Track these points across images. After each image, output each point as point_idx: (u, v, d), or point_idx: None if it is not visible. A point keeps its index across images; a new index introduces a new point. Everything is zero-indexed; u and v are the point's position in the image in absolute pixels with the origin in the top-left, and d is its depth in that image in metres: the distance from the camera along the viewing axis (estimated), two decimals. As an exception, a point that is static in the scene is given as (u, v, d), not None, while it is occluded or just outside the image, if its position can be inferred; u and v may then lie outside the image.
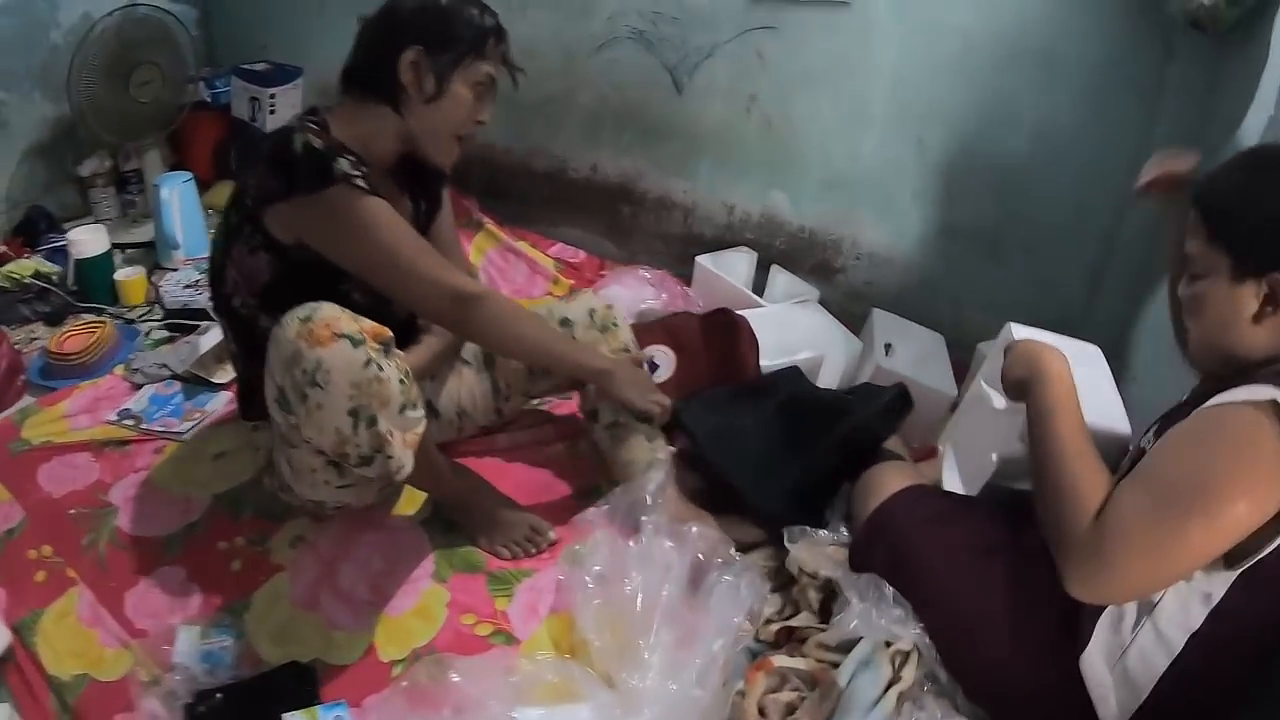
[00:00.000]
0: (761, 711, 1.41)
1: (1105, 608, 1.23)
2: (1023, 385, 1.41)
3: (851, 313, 2.52)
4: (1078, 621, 1.27)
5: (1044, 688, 1.30)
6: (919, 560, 1.47)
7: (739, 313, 2.23)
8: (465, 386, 1.95)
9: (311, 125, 1.49)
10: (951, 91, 2.36)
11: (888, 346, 2.23)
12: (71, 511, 1.78)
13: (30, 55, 2.77)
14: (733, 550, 1.65)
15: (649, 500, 1.70)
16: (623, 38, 2.69)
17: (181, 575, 1.65)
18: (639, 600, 1.53)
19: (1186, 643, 1.17)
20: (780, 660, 1.47)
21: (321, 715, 1.36)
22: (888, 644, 1.39)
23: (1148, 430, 1.35)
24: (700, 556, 1.61)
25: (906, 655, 1.39)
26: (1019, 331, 1.65)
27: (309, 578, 1.66)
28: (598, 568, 1.61)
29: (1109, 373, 1.70)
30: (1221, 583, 1.14)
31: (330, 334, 1.36)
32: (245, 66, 3.10)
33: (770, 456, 1.85)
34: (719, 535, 1.65)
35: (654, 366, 2.24)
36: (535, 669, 1.46)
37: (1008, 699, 1.34)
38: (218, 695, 1.41)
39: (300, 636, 1.55)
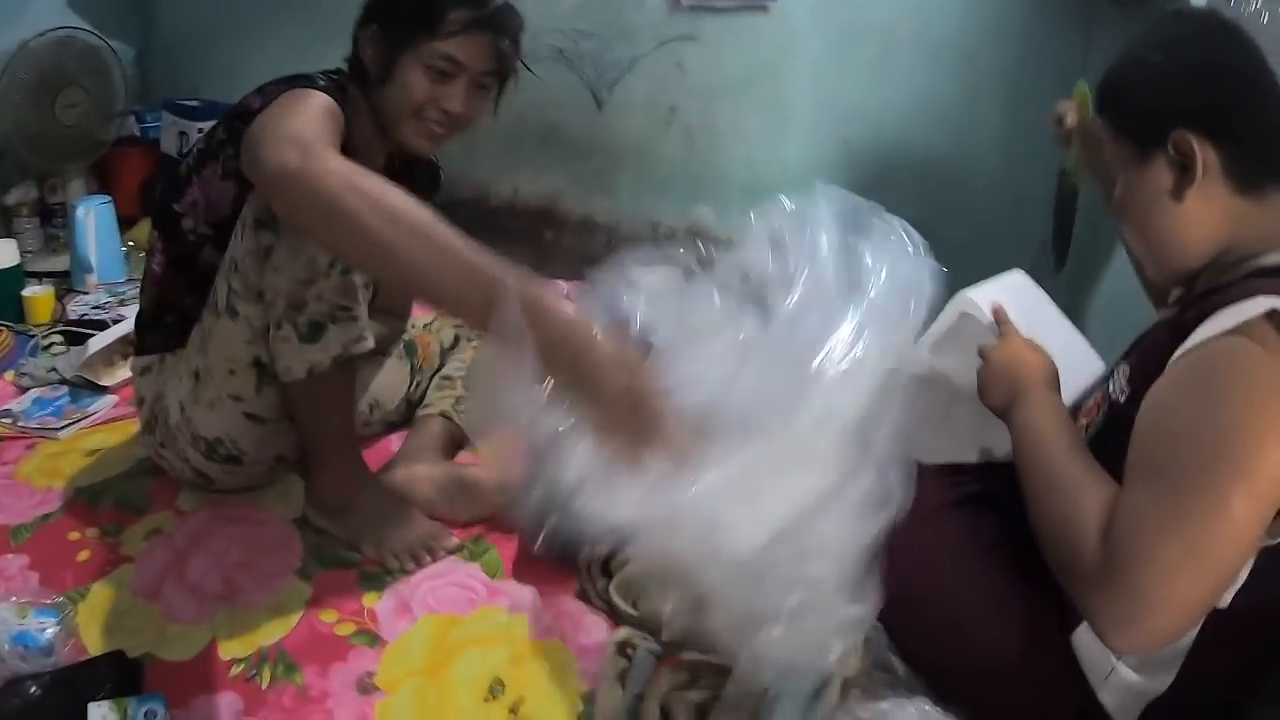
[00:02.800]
0: (666, 714, 1.20)
1: None
2: (1005, 404, 1.27)
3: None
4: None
5: (1036, 670, 1.11)
6: None
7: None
8: (383, 374, 1.86)
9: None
10: (874, 91, 2.34)
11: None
12: (-77, 498, 1.66)
13: (-40, 78, 2.72)
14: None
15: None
16: (543, 56, 2.65)
17: (23, 563, 1.52)
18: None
19: (1209, 621, 0.98)
20: (691, 654, 1.26)
21: (132, 707, 1.19)
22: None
23: (1111, 371, 1.20)
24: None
25: (850, 639, 1.17)
26: (974, 296, 1.51)
27: (155, 568, 1.52)
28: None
29: (1047, 300, 1.59)
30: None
31: None
32: (177, 101, 3.08)
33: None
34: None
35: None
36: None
37: (992, 686, 1.13)
38: (31, 686, 1.22)
39: (133, 627, 1.39)
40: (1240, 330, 0.93)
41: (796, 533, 0.95)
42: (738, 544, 0.94)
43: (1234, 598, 0.98)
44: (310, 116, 1.21)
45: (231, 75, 3.16)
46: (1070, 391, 1.33)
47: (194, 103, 3.08)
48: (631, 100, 2.60)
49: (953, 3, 2.23)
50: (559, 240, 2.83)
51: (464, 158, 2.85)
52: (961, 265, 1.60)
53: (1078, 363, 1.43)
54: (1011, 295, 1.53)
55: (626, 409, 0.94)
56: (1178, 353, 0.98)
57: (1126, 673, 1.05)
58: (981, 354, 1.36)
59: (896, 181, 2.35)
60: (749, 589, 0.96)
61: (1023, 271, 1.62)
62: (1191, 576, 0.89)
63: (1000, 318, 1.43)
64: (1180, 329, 1.01)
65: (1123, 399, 1.10)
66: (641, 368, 0.98)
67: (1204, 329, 0.97)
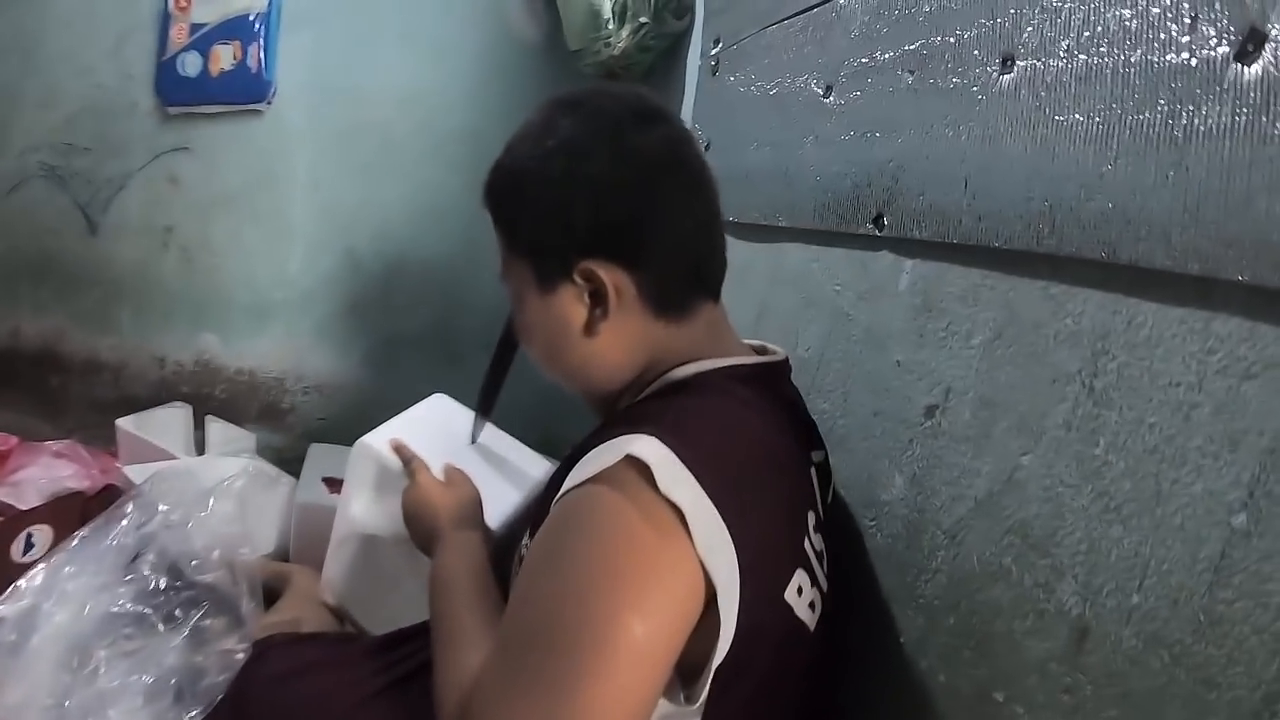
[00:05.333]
0: None
1: None
2: (428, 550, 1.11)
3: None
4: None
5: None
6: None
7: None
8: None
9: None
10: (377, 192, 2.16)
11: (330, 481, 1.87)
12: None
13: None
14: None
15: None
16: (34, 175, 2.31)
17: None
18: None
19: None
20: None
21: None
22: None
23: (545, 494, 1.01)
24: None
25: None
26: (373, 443, 1.34)
27: None
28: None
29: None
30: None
31: None
32: None
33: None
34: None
35: (30, 545, 1.81)
36: None
37: None
38: None
39: None
40: (599, 478, 0.77)
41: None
42: None
43: None
44: None
45: None
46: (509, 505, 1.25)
47: None
48: (126, 221, 2.27)
49: (453, 92, 2.14)
50: (65, 386, 2.42)
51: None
52: (485, 365, 1.43)
53: (517, 473, 1.33)
54: (425, 423, 1.41)
55: None
56: (556, 499, 0.83)
57: None
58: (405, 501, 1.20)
59: (409, 287, 2.22)
60: None
61: (442, 395, 1.50)
62: None
63: (404, 456, 1.27)
64: (566, 467, 0.87)
65: (525, 550, 0.94)
66: None
67: (574, 473, 0.81)
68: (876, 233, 1.07)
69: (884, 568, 1.02)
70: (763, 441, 0.86)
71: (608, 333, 0.91)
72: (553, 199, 0.90)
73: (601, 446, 0.79)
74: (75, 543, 1.22)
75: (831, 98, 1.18)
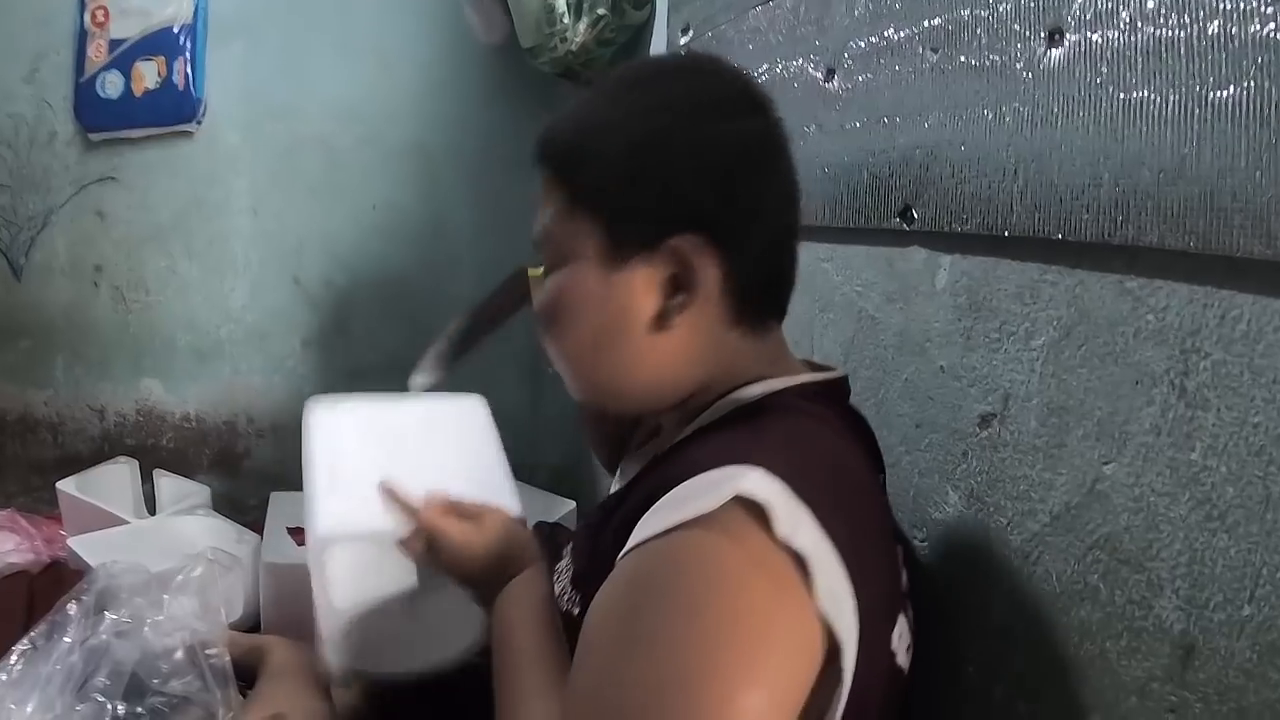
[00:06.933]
0: None
1: None
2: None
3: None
4: None
5: None
6: None
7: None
8: None
9: None
10: (323, 214, 2.03)
11: (295, 531, 1.72)
12: None
13: None
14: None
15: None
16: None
17: None
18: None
19: None
20: None
21: None
22: None
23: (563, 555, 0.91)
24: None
25: None
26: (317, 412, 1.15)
27: None
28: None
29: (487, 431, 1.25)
30: None
31: None
32: None
33: None
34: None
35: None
36: None
37: None
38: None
39: None
40: (701, 523, 0.63)
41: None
42: None
43: None
44: None
45: None
46: None
47: None
48: (52, 262, 2.10)
49: (398, 102, 2.01)
50: (1, 447, 2.24)
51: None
52: (464, 386, 1.32)
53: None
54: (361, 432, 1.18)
55: None
56: (625, 549, 0.67)
57: None
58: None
59: (367, 316, 2.10)
60: None
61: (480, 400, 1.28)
62: None
63: (410, 511, 1.01)
64: (631, 506, 0.73)
65: (575, 609, 0.81)
66: None
67: (655, 516, 0.66)
68: (905, 227, 0.96)
69: (944, 590, 0.95)
70: (858, 470, 0.75)
71: (678, 330, 0.76)
72: (649, 154, 0.75)
73: (692, 483, 0.66)
74: (15, 660, 1.05)
75: (834, 82, 1.07)
